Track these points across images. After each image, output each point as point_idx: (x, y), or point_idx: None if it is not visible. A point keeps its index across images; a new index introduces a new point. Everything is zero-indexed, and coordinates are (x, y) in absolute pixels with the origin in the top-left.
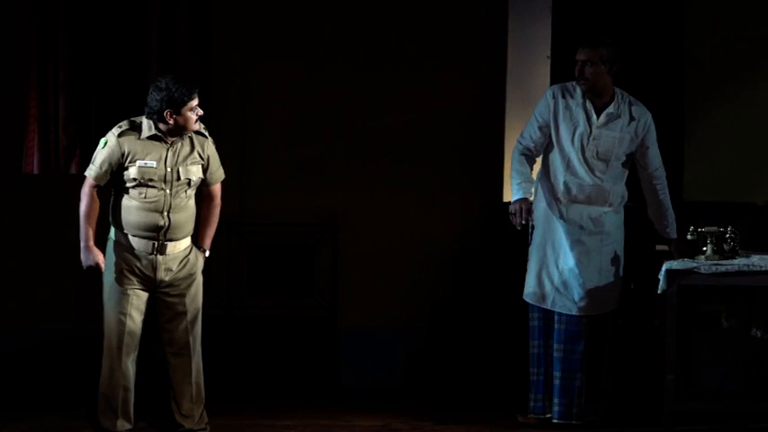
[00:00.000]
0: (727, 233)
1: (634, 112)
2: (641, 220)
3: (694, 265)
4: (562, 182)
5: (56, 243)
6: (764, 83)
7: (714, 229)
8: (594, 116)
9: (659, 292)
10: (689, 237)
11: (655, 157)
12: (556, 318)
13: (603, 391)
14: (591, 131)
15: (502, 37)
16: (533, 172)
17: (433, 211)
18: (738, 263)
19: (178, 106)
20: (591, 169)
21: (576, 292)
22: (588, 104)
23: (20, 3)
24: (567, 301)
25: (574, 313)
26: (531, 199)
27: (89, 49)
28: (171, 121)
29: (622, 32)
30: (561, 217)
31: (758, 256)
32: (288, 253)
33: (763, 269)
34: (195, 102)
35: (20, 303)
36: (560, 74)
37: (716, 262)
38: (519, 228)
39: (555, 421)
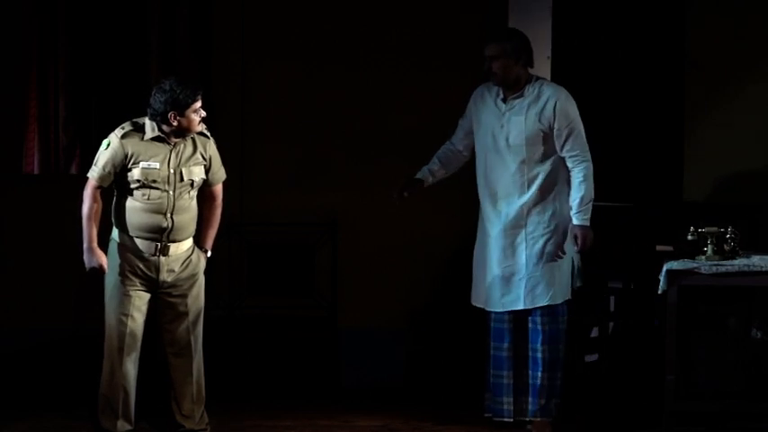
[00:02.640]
0: (727, 233)
1: (541, 92)
2: (641, 220)
3: (695, 265)
4: (483, 179)
5: (56, 243)
6: (765, 83)
7: (714, 229)
8: (503, 105)
9: (660, 292)
10: (689, 237)
11: (570, 141)
12: (491, 316)
13: (536, 388)
14: (500, 121)
15: None
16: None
17: (433, 211)
18: (739, 263)
19: (182, 108)
20: (506, 160)
21: (498, 289)
22: (500, 98)
23: (20, 3)
24: (493, 298)
25: (497, 310)
26: (425, 180)
27: (89, 50)
28: (175, 123)
29: (623, 33)
30: (488, 215)
31: (759, 257)
32: (288, 253)
33: (764, 269)
34: (199, 103)
35: (20, 303)
36: (561, 74)
37: (716, 262)
38: (395, 202)
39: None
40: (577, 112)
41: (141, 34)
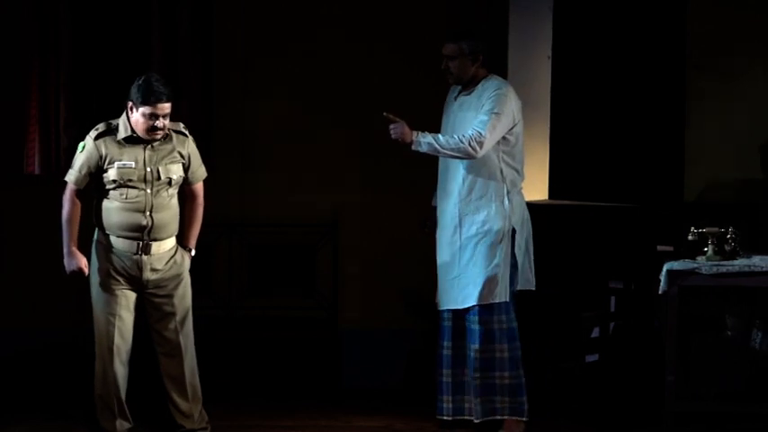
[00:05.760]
0: (728, 234)
1: (485, 89)
2: (642, 221)
3: (695, 265)
4: (440, 176)
5: (57, 244)
6: (765, 83)
7: (715, 229)
8: (454, 103)
9: (660, 293)
10: (690, 237)
11: (479, 118)
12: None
13: (473, 387)
14: (451, 118)
15: (503, 37)
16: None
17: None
18: (739, 263)
19: (134, 103)
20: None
21: (439, 287)
22: (454, 95)
23: (21, 4)
24: (438, 296)
25: (439, 308)
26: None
27: (90, 51)
28: (130, 114)
29: (623, 33)
30: (439, 212)
31: (759, 257)
32: (289, 253)
33: (764, 270)
34: (150, 109)
35: (20, 304)
36: (562, 74)
37: (717, 263)
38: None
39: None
40: (509, 111)
41: (142, 36)
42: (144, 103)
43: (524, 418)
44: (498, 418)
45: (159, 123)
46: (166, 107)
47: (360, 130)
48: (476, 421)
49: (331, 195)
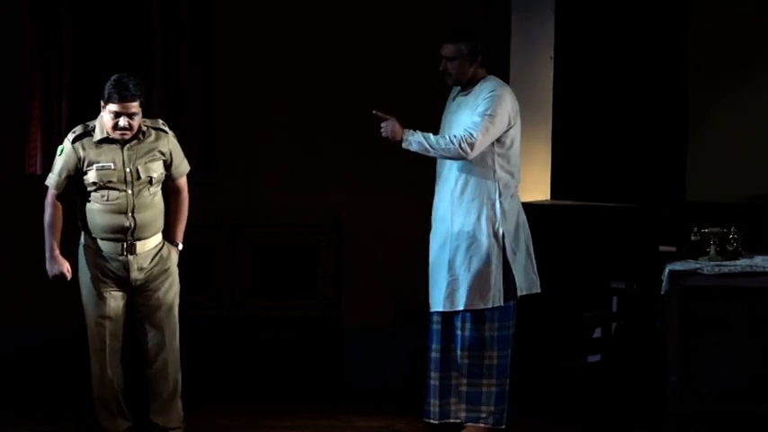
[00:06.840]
0: (730, 234)
1: (482, 89)
2: (644, 221)
3: (697, 266)
4: (435, 177)
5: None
6: (767, 83)
7: (717, 229)
8: (452, 103)
9: (662, 293)
10: (692, 238)
11: (473, 119)
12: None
13: (460, 393)
14: (448, 118)
15: (505, 38)
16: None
17: None
18: (742, 264)
19: (103, 100)
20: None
21: (429, 287)
22: (456, 96)
23: (23, 5)
24: (429, 297)
25: (431, 309)
26: None
27: (91, 51)
28: (103, 113)
29: (625, 33)
30: (433, 211)
31: (761, 257)
32: (291, 254)
33: (767, 270)
34: (114, 107)
35: (20, 304)
36: (564, 74)
37: (719, 263)
38: None
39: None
40: (504, 113)
41: (143, 36)
42: (109, 101)
43: (502, 427)
44: (482, 425)
45: (123, 122)
46: (132, 106)
47: (360, 130)
48: (465, 424)
49: (332, 195)
